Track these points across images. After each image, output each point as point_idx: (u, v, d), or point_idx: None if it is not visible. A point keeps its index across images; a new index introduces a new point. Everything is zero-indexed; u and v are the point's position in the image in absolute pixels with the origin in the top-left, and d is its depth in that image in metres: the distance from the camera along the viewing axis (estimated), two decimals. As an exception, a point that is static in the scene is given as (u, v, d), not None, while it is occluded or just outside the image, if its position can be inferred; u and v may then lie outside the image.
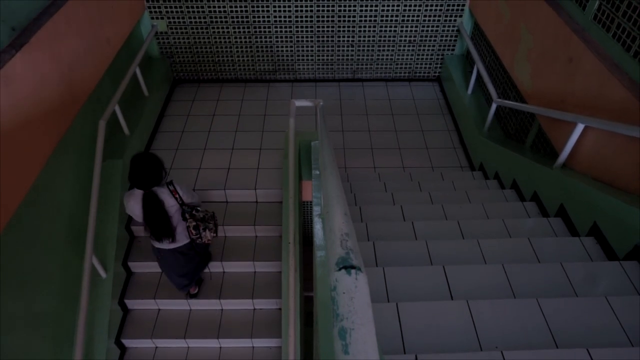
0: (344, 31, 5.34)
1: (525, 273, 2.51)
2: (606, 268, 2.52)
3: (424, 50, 5.59)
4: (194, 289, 3.76)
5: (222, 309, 3.83)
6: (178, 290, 3.64)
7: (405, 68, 5.78)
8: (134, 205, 2.88)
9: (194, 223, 3.05)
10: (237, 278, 3.92)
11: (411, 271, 2.55)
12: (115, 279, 3.58)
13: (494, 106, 4.23)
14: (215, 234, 3.14)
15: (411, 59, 5.68)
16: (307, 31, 5.32)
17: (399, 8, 5.14)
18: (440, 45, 5.55)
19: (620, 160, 2.66)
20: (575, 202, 3.00)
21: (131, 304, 3.79)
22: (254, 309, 3.82)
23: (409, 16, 5.23)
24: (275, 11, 5.12)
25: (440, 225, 3.18)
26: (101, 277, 3.46)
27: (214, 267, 3.96)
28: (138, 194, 2.85)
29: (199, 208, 3.13)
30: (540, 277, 2.49)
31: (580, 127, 2.94)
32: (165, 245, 3.11)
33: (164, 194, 2.91)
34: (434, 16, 5.24)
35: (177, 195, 2.97)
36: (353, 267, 1.04)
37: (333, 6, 5.09)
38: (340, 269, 1.04)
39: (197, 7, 5.08)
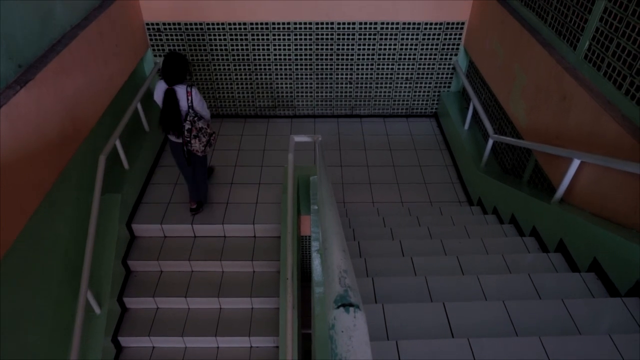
0: (342, 69, 5.48)
1: (527, 310, 2.48)
2: (608, 305, 2.49)
3: (420, 87, 5.71)
4: (193, 204, 4.23)
5: (218, 347, 3.75)
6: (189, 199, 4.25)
7: (403, 104, 5.89)
8: (158, 93, 3.51)
9: (188, 126, 3.54)
10: (233, 314, 3.86)
11: (411, 308, 2.51)
12: (110, 315, 3.52)
13: (490, 142, 4.29)
14: (204, 149, 3.66)
15: (408, 95, 5.79)
16: (306, 69, 5.45)
17: (396, 46, 5.29)
18: (436, 83, 5.68)
19: (618, 195, 2.67)
20: (575, 238, 2.99)
21: (125, 341, 3.71)
22: (251, 347, 3.74)
23: (405, 54, 5.37)
24: (275, 49, 5.27)
25: (439, 261, 3.16)
26: (95, 313, 3.40)
27: (210, 303, 3.90)
28: (164, 85, 3.44)
29: (203, 120, 3.61)
30: (542, 313, 2.46)
31: (576, 163, 2.97)
32: (173, 137, 3.68)
33: (181, 92, 3.46)
34: (430, 54, 5.39)
35: (189, 97, 3.46)
36: (351, 305, 1.03)
37: (331, 45, 5.24)
38: (338, 307, 1.03)
39: (199, 45, 5.22)
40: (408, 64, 5.47)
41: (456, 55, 5.41)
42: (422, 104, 5.91)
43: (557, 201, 3.22)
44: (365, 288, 2.77)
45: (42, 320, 2.94)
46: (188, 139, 3.59)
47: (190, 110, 3.51)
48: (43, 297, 2.98)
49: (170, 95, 3.43)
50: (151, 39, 5.16)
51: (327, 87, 5.66)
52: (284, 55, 5.31)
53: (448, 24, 5.14)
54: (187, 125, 3.54)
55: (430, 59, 5.43)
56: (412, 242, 3.49)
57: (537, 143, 3.52)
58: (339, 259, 1.26)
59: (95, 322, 3.38)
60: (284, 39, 5.18)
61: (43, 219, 2.98)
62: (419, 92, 5.77)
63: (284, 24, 5.06)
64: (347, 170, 5.16)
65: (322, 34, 5.16)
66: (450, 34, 5.23)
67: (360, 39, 5.21)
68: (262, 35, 5.14)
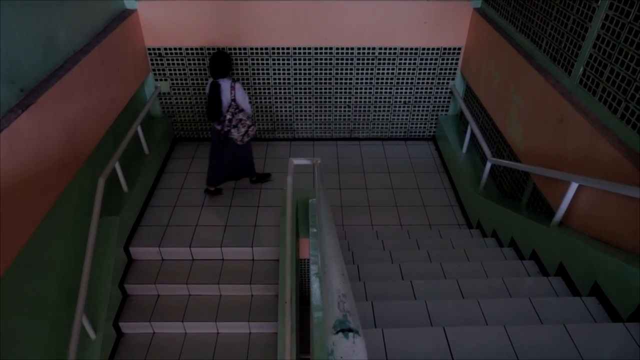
0: (341, 93, 5.54)
1: (528, 334, 2.44)
2: (610, 330, 2.46)
3: (418, 111, 5.77)
4: (210, 187, 4.78)
5: (214, 373, 3.67)
6: (206, 182, 4.79)
7: (401, 128, 5.94)
8: (208, 87, 4.13)
9: (229, 116, 4.10)
10: (231, 339, 3.80)
11: (411, 333, 2.47)
12: (105, 341, 3.46)
13: (488, 165, 4.31)
14: (242, 137, 4.22)
15: (406, 119, 5.85)
16: (305, 92, 5.52)
17: (394, 71, 5.37)
18: (434, 106, 5.74)
19: (617, 218, 2.67)
20: (575, 261, 2.98)
21: (120, 367, 3.64)
22: (248, 373, 3.67)
23: (403, 79, 5.45)
24: (275, 73, 5.34)
25: (439, 284, 3.13)
26: (90, 339, 3.34)
27: (208, 327, 3.85)
28: (211, 79, 4.07)
29: (244, 112, 4.15)
30: (543, 339, 2.42)
31: (574, 186, 2.98)
32: (216, 124, 4.23)
33: (225, 86, 4.04)
34: (428, 79, 5.47)
35: (233, 91, 4.05)
36: (351, 330, 1.02)
37: (330, 69, 5.32)
38: (337, 332, 1.02)
39: (200, 70, 5.30)
40: (406, 88, 5.54)
41: (453, 79, 5.49)
42: (420, 127, 5.96)
43: (556, 224, 3.22)
44: (365, 312, 2.73)
45: (36, 345, 2.89)
46: (228, 128, 4.15)
47: (233, 102, 4.09)
48: (38, 321, 2.94)
49: (214, 88, 4.03)
50: (152, 63, 5.24)
51: (326, 111, 5.72)
52: (284, 79, 5.39)
53: (445, 49, 5.23)
54: (228, 116, 4.11)
55: (427, 83, 5.51)
56: (411, 266, 3.47)
57: (534, 166, 3.55)
58: (338, 283, 1.25)
59: (90, 348, 3.33)
60: (283, 64, 5.26)
61: (40, 242, 2.97)
62: (417, 115, 5.83)
63: (283, 48, 5.14)
64: (346, 193, 5.17)
65: (321, 59, 5.24)
66: (447, 59, 5.32)
67: (358, 63, 5.30)
68: (262, 59, 5.22)
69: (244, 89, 4.29)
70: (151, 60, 5.21)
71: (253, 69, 5.30)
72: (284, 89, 5.47)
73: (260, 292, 4.02)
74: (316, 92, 5.53)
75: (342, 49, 5.18)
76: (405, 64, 5.32)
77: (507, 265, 3.47)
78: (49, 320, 3.04)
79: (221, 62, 4.00)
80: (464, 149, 5.15)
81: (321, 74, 5.36)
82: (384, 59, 5.27)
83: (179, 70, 5.30)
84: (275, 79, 5.38)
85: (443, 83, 5.52)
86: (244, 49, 5.13)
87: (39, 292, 2.97)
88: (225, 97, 4.06)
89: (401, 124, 5.90)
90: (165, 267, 4.15)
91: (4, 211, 2.56)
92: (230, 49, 5.13)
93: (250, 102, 5.53)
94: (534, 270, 3.38)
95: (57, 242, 3.21)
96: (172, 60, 5.21)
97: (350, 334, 1.01)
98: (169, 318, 3.85)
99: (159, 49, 5.13)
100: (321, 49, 5.16)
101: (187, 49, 5.14)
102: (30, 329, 2.85)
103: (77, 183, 3.48)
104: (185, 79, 5.38)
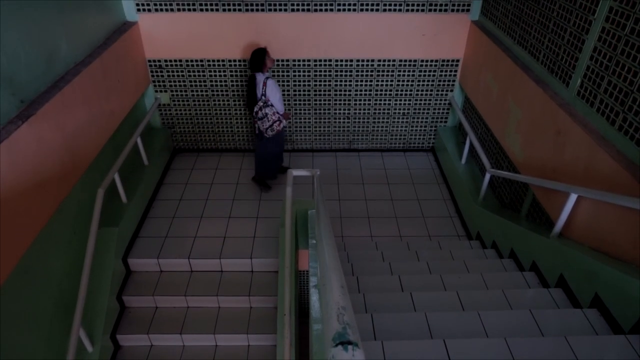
0: (340, 104, 5.57)
1: (529, 347, 2.43)
2: (612, 342, 2.44)
3: (417, 122, 5.80)
4: (255, 176, 5.16)
5: (212, 387, 3.63)
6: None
7: (400, 139, 5.96)
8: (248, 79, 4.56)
9: (256, 109, 4.45)
10: (230, 352, 3.77)
11: (411, 345, 2.45)
12: (102, 354, 3.43)
13: (487, 176, 4.32)
14: (266, 131, 4.53)
15: (405, 130, 5.87)
16: (304, 104, 5.54)
17: (393, 83, 5.40)
18: (433, 118, 5.77)
19: (616, 229, 2.67)
20: (575, 273, 2.97)
21: (117, 381, 3.60)
22: (247, 387, 3.63)
23: (402, 90, 5.48)
24: (274, 85, 5.37)
25: (439, 296, 3.11)
26: (87, 351, 3.31)
27: (206, 340, 3.81)
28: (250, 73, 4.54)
29: (271, 107, 4.43)
30: (544, 352, 2.41)
31: (573, 197, 2.98)
32: (254, 114, 4.56)
33: (259, 80, 4.40)
34: (427, 90, 5.50)
35: (264, 87, 4.36)
36: (350, 342, 1.02)
37: (329, 81, 5.35)
38: (337, 345, 1.01)
39: (200, 81, 5.33)
40: (405, 100, 5.57)
41: (452, 91, 5.52)
42: (419, 138, 5.98)
43: (555, 235, 3.21)
44: (364, 324, 2.72)
45: (32, 358, 2.86)
46: (256, 119, 4.52)
47: (263, 97, 4.40)
48: (34, 333, 2.91)
49: (250, 80, 4.48)
50: (152, 75, 5.27)
51: (325, 122, 5.74)
52: (284, 90, 5.41)
53: (443, 61, 5.27)
54: (256, 108, 4.45)
55: (426, 94, 5.54)
56: (411, 277, 3.45)
57: (533, 177, 3.55)
58: (337, 295, 1.25)
59: (87, 361, 3.30)
60: (283, 75, 5.29)
61: (38, 254, 2.95)
62: (416, 127, 5.85)
63: (283, 60, 5.18)
64: (345, 204, 5.16)
65: (321, 71, 5.28)
66: (446, 71, 5.35)
67: (357, 75, 5.33)
68: (262, 71, 5.26)
69: (278, 87, 4.53)
70: (151, 71, 5.24)
71: (253, 81, 5.33)
72: (284, 100, 5.49)
73: (259, 304, 4.00)
74: (315, 104, 5.56)
75: (341, 60, 5.22)
76: (404, 75, 5.36)
77: (507, 276, 3.46)
78: (46, 332, 3.02)
79: (254, 57, 4.35)
80: (463, 160, 5.16)
81: (320, 85, 5.39)
82: (383, 71, 5.31)
83: (179, 81, 5.33)
84: (274, 90, 5.41)
85: (442, 94, 5.55)
86: (244, 60, 5.17)
87: (36, 304, 2.94)
88: (258, 90, 4.40)
89: (400, 135, 5.92)
90: (164, 279, 4.13)
91: (3, 221, 2.55)
92: (230, 60, 5.16)
93: (249, 118, 5.56)
94: (534, 281, 3.36)
95: (55, 253, 3.20)
96: (172, 71, 5.25)
97: (350, 347, 1.01)
98: (167, 330, 3.82)
99: (159, 61, 5.17)
100: (320, 60, 5.20)
101: (187, 60, 5.17)
102: (26, 341, 2.82)
103: (76, 194, 3.48)
104: (185, 91, 5.40)
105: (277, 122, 4.51)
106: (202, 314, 3.95)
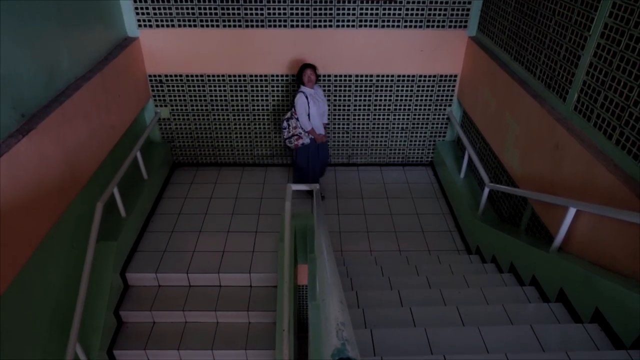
0: (339, 119, 5.60)
1: (530, 363, 2.40)
2: (613, 358, 2.42)
3: (416, 136, 5.83)
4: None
5: (210, 404, 3.58)
6: None
7: (399, 153, 5.98)
8: None
9: (284, 118, 4.80)
10: (227, 368, 3.72)
11: (411, 361, 2.43)
12: (99, 370, 3.39)
13: (486, 190, 4.32)
14: (285, 140, 4.82)
15: (404, 144, 5.89)
16: (304, 118, 5.57)
17: (391, 98, 5.45)
18: (431, 132, 5.80)
19: (616, 243, 2.67)
20: (575, 287, 2.96)
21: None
22: (245, 404, 3.58)
23: (401, 105, 5.52)
24: (274, 100, 5.41)
25: (439, 311, 3.09)
26: (84, 368, 3.27)
27: (204, 355, 3.77)
28: None
29: (295, 120, 4.66)
30: (546, 367, 2.38)
31: (572, 211, 2.98)
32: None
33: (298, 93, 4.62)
34: (425, 105, 5.54)
35: (295, 104, 4.60)
36: (349, 359, 1.01)
37: (329, 96, 5.39)
38: (336, 361, 1.01)
39: (200, 96, 5.36)
40: (403, 115, 5.61)
41: (450, 106, 5.56)
42: (417, 153, 6.00)
43: (555, 250, 3.21)
44: (364, 340, 2.69)
45: (28, 374, 2.83)
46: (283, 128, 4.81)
47: (292, 109, 4.68)
48: (31, 347, 2.88)
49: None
50: (153, 90, 5.30)
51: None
52: (283, 105, 5.45)
53: (441, 76, 5.32)
54: (285, 116, 4.77)
55: (425, 109, 5.58)
56: (410, 292, 3.43)
57: (532, 191, 3.56)
58: (336, 310, 1.24)
59: (83, 377, 3.25)
60: (282, 90, 5.34)
61: (36, 268, 2.94)
62: (415, 141, 5.88)
63: (282, 76, 5.22)
64: (345, 219, 5.16)
65: (320, 85, 5.32)
66: (444, 86, 5.40)
67: (356, 90, 5.37)
68: (262, 86, 5.30)
69: (305, 103, 4.58)
70: (152, 86, 5.28)
71: (252, 96, 5.37)
72: (283, 115, 5.52)
73: (257, 319, 3.96)
74: (315, 118, 5.58)
75: (340, 76, 5.26)
76: (402, 90, 5.40)
77: (507, 291, 3.44)
78: (42, 346, 2.98)
79: (297, 75, 4.64)
80: (462, 175, 5.18)
81: (320, 100, 5.42)
82: (382, 86, 5.35)
83: (179, 96, 5.36)
84: (274, 105, 5.45)
85: (440, 109, 5.59)
86: (244, 76, 5.21)
87: (32, 318, 2.92)
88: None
89: (399, 149, 5.94)
90: (162, 294, 4.10)
91: (2, 234, 2.54)
92: (230, 76, 5.20)
93: (249, 133, 5.59)
94: (534, 296, 3.35)
95: (53, 266, 3.18)
96: (173, 86, 5.28)
97: (349, 363, 1.00)
98: (164, 346, 3.77)
99: (159, 76, 5.21)
100: (319, 76, 5.24)
101: (187, 75, 5.21)
102: (23, 356, 2.79)
103: (76, 207, 3.47)
104: (185, 105, 5.44)
105: (296, 137, 4.68)
106: (200, 329, 3.91)
